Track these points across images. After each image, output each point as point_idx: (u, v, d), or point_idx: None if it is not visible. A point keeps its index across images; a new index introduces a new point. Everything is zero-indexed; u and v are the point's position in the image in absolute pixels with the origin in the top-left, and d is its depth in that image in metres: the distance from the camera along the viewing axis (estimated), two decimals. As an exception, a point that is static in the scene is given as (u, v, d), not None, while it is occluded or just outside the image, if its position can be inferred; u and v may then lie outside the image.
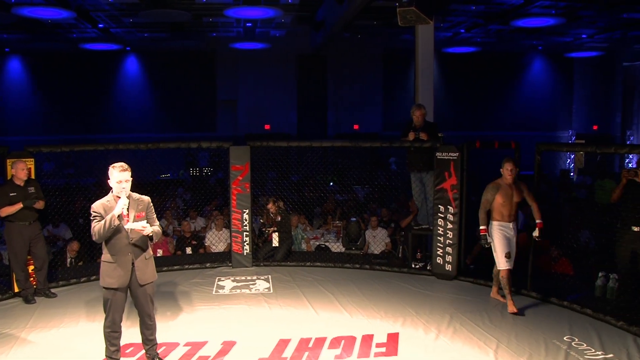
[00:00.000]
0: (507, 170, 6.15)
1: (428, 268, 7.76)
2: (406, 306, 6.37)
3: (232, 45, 19.71)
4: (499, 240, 6.18)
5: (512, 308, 6.12)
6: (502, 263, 6.17)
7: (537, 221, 6.17)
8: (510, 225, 6.21)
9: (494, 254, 6.26)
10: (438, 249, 7.54)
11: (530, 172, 6.92)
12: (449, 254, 7.43)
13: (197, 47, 20.41)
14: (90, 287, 7.04)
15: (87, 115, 19.96)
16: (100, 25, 17.07)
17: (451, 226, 7.41)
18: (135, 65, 20.87)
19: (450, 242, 7.41)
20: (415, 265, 7.87)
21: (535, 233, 6.20)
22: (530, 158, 6.78)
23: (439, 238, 7.54)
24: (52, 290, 6.86)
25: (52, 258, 7.62)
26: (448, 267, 7.46)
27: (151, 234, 4.58)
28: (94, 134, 19.01)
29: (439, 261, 7.55)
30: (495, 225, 6.21)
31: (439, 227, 7.53)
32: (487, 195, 6.20)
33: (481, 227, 6.24)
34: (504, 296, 6.36)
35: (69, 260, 8.23)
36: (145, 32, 18.68)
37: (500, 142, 7.78)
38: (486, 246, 6.28)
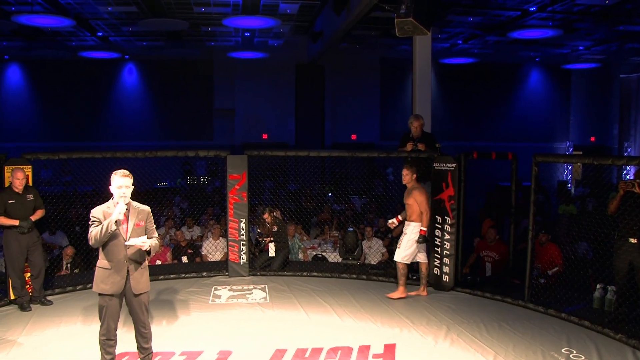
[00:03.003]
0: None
1: (425, 278, 7.74)
2: (403, 317, 6.35)
3: (230, 55, 19.75)
4: None
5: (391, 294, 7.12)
6: None
7: (420, 228, 6.99)
8: (406, 224, 7.15)
9: None
10: (435, 259, 7.53)
11: (527, 183, 6.93)
12: (446, 264, 7.42)
13: (195, 56, 20.45)
14: (87, 295, 6.99)
15: (85, 123, 19.95)
16: (99, 34, 17.12)
17: (448, 237, 7.40)
18: (134, 73, 20.89)
19: (448, 252, 7.40)
20: (412, 276, 7.85)
21: (420, 239, 7.02)
22: (528, 169, 6.79)
23: (436, 249, 7.53)
24: (48, 298, 6.83)
25: (48, 265, 7.60)
26: (445, 278, 7.45)
27: (149, 249, 4.57)
28: (92, 142, 19.00)
29: (436, 272, 7.53)
30: None
31: (436, 238, 7.52)
32: None
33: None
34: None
35: (64, 264, 8.22)
36: (143, 41, 18.73)
37: (498, 153, 7.80)
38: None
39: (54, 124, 19.92)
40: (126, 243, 4.48)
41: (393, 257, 7.33)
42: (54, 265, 8.07)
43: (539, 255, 7.57)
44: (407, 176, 7.05)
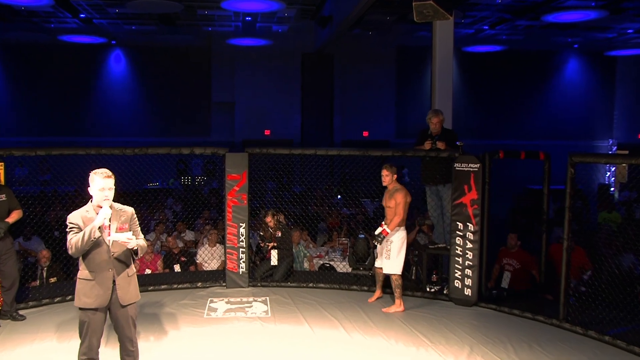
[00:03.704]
0: (382, 176, 7.32)
1: (445, 292, 7.75)
2: (419, 334, 6.36)
3: (229, 41, 19.85)
4: None
5: (371, 298, 7.57)
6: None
7: (383, 227, 7.18)
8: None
9: None
10: (456, 271, 7.54)
11: (562, 186, 6.87)
12: (468, 277, 7.43)
13: (190, 43, 20.55)
14: (65, 308, 7.01)
15: (66, 116, 20.06)
16: (82, 15, 17.16)
17: (471, 246, 7.41)
18: (122, 61, 21.01)
19: (470, 263, 7.41)
20: (431, 288, 7.87)
21: (377, 231, 7.25)
22: (563, 171, 6.74)
23: (457, 259, 7.53)
24: (20, 312, 6.76)
25: (21, 275, 7.50)
26: (467, 292, 7.45)
27: (136, 248, 4.55)
28: (74, 137, 19.12)
29: (457, 285, 7.54)
30: None
31: (457, 247, 7.53)
32: None
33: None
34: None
35: (40, 271, 8.22)
36: (132, 25, 18.82)
37: (527, 153, 7.79)
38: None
39: (30, 116, 20.02)
40: (108, 238, 4.45)
41: (407, 267, 7.39)
42: (29, 274, 8.07)
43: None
44: (387, 177, 7.30)
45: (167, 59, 20.52)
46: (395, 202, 7.16)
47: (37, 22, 17.99)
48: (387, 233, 7.14)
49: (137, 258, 4.71)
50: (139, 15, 17.39)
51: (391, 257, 7.19)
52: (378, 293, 7.61)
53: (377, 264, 7.45)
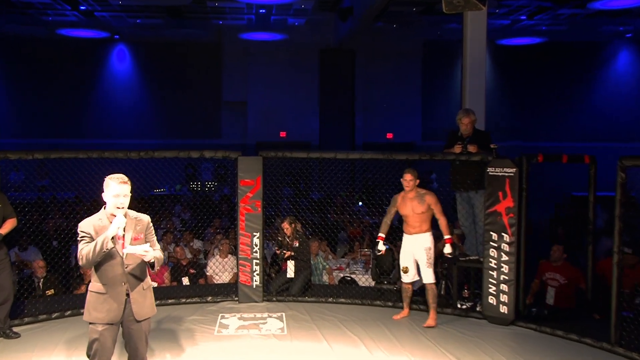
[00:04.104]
0: (403, 181, 7.36)
1: (477, 309, 7.70)
2: (449, 355, 6.31)
3: (241, 36, 19.95)
4: (401, 253, 7.51)
5: (396, 316, 7.52)
6: (402, 276, 7.51)
7: (445, 237, 7.32)
8: (414, 237, 7.35)
9: None
10: (490, 286, 7.49)
11: (611, 193, 6.78)
12: (504, 292, 7.37)
13: (199, 37, 20.68)
14: (65, 325, 7.02)
15: (65, 116, 20.23)
16: (83, 7, 17.24)
17: (506, 258, 7.35)
18: (125, 57, 21.19)
19: (506, 278, 7.35)
20: (462, 305, 7.83)
21: (447, 249, 7.40)
22: (612, 176, 6.60)
23: (491, 272, 7.48)
24: (15, 329, 6.73)
25: (17, 288, 7.47)
26: (503, 309, 7.40)
27: (153, 261, 4.57)
28: (74, 139, 19.25)
29: (491, 301, 7.49)
30: (403, 237, 7.49)
31: (491, 259, 7.48)
32: (390, 206, 7.57)
33: (379, 234, 7.63)
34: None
35: (36, 283, 8.27)
36: (137, 18, 18.94)
37: (570, 156, 7.72)
38: (377, 253, 7.85)
39: (26, 116, 20.22)
40: (124, 250, 4.48)
41: (436, 281, 7.38)
42: (24, 288, 8.09)
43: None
44: (412, 182, 7.36)
45: (175, 55, 20.66)
46: (430, 206, 7.28)
47: (33, 14, 18.07)
48: (451, 240, 7.37)
49: (154, 271, 4.73)
50: (144, 8, 17.50)
51: (432, 265, 7.33)
52: (406, 312, 7.58)
53: (406, 279, 7.43)
